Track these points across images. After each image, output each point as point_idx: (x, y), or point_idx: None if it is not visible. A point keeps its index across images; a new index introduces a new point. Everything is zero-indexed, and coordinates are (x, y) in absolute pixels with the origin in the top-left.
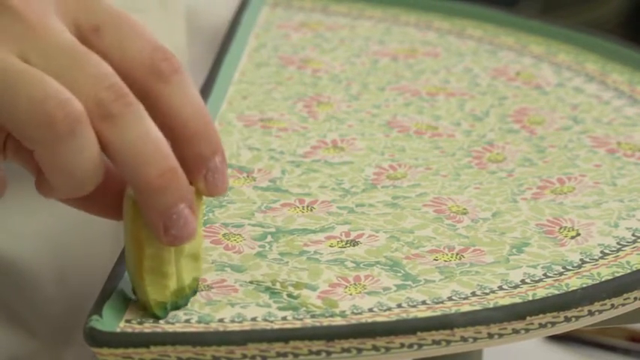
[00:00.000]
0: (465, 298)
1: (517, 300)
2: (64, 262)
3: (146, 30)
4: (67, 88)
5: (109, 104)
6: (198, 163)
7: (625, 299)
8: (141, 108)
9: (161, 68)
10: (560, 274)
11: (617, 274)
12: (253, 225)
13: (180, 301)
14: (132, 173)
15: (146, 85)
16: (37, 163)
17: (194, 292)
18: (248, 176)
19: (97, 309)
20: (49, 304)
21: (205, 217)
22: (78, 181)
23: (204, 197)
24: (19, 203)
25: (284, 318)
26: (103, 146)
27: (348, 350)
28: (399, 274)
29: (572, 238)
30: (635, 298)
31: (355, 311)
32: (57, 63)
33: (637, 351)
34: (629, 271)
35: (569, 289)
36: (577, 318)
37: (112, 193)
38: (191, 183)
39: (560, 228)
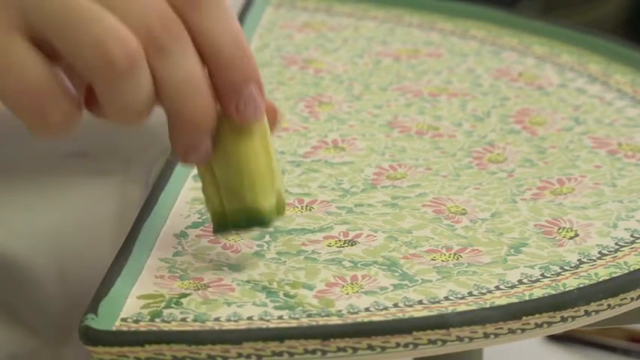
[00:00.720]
0: (461, 298)
1: (514, 300)
2: (64, 260)
3: None
4: (121, 18)
5: (158, 35)
6: (229, 91)
7: (622, 300)
8: (187, 41)
9: None
10: (558, 274)
11: (614, 275)
12: None
13: (230, 224)
14: (173, 107)
15: (182, 13)
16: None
17: (251, 224)
18: None
19: (93, 307)
20: (50, 302)
21: (204, 217)
22: (132, 114)
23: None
24: (20, 201)
25: (280, 317)
26: (153, 75)
27: (343, 349)
28: (397, 274)
29: (571, 238)
30: (632, 299)
31: (351, 311)
32: None
33: (637, 351)
34: (626, 271)
35: (566, 290)
36: (573, 318)
37: None
38: (225, 112)
39: (559, 229)
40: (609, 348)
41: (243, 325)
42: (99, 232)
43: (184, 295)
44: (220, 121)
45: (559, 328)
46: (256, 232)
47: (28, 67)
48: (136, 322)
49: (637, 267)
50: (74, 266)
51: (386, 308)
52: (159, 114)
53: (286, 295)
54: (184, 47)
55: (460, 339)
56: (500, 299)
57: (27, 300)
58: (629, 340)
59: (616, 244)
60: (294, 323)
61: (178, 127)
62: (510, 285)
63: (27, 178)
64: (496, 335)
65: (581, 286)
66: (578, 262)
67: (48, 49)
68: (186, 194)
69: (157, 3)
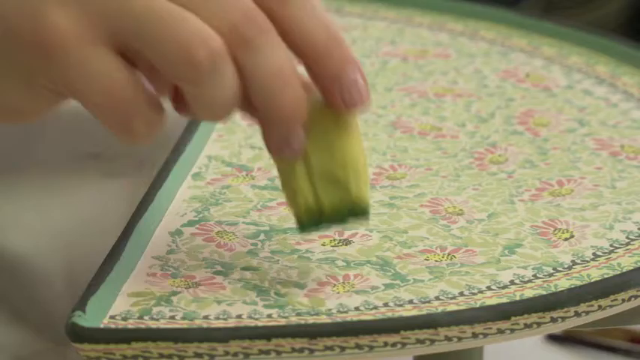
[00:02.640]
0: (452, 298)
1: (504, 300)
2: (73, 260)
3: None
4: (204, 19)
5: (243, 29)
6: (329, 81)
7: (613, 301)
8: (273, 34)
9: None
10: (550, 275)
11: (606, 276)
12: (248, 223)
13: (326, 220)
14: (263, 101)
15: (270, 9)
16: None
17: (353, 216)
18: (247, 175)
19: (81, 305)
20: (57, 302)
21: (200, 215)
22: (219, 111)
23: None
24: (33, 201)
25: (269, 316)
26: (238, 71)
27: (331, 348)
28: (389, 274)
29: (566, 239)
30: (623, 300)
31: (341, 310)
32: None
33: (637, 352)
34: (618, 272)
35: (557, 290)
36: (563, 319)
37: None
38: (329, 103)
39: (555, 230)
40: (610, 349)
41: (231, 323)
42: (109, 233)
43: (175, 293)
44: (318, 111)
45: (549, 329)
46: (252, 230)
47: (115, 77)
48: (125, 319)
49: (630, 268)
50: (83, 267)
51: (376, 307)
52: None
53: (277, 293)
54: (271, 39)
55: (448, 339)
56: (491, 299)
57: (34, 301)
58: (630, 341)
59: (611, 245)
60: (282, 322)
61: (270, 121)
62: (502, 285)
63: (40, 177)
64: (485, 335)
65: (572, 287)
66: (571, 263)
67: (129, 56)
68: (185, 192)
69: (240, 2)
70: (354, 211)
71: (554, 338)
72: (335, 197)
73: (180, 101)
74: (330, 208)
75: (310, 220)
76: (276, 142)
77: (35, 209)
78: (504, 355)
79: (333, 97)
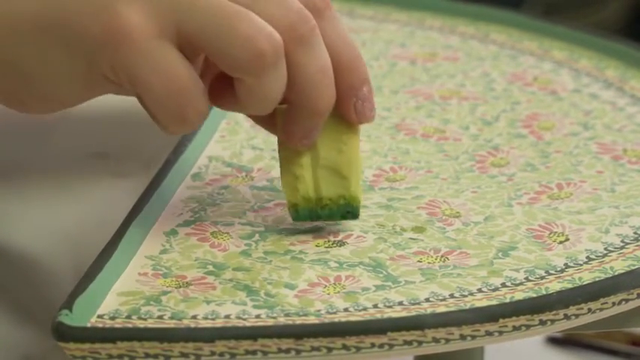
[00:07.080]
0: (442, 300)
1: (493, 302)
2: (82, 260)
3: None
4: (264, 18)
5: (299, 27)
6: (348, 93)
7: (602, 304)
8: (319, 34)
9: (317, 4)
10: (542, 278)
11: (598, 279)
12: (243, 224)
13: (320, 211)
14: (306, 94)
15: None
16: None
17: (345, 212)
18: (247, 175)
19: (68, 304)
20: None
21: (197, 215)
22: (270, 103)
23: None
24: (42, 200)
25: (258, 316)
26: (290, 66)
27: (317, 349)
28: (381, 275)
29: (561, 243)
30: (614, 303)
31: (330, 310)
32: None
33: (638, 355)
34: (610, 276)
35: (547, 293)
36: (552, 321)
37: None
38: (342, 111)
39: (550, 233)
40: (610, 351)
41: (219, 323)
42: None
43: (165, 293)
44: (333, 112)
45: (538, 332)
46: (247, 231)
47: (176, 68)
48: (112, 318)
49: (622, 272)
50: None
51: (365, 309)
52: None
53: (267, 294)
54: (319, 39)
55: (436, 340)
56: (481, 302)
57: (43, 300)
58: (631, 344)
59: (605, 249)
60: (270, 322)
61: (303, 114)
62: (493, 288)
63: (49, 177)
64: (473, 337)
65: (562, 289)
66: (564, 267)
67: (185, 53)
68: (183, 192)
69: (294, 5)
70: (347, 207)
71: (554, 341)
72: (334, 190)
73: (222, 95)
74: (327, 199)
75: (305, 208)
76: (301, 132)
77: (44, 209)
78: (504, 357)
79: (347, 106)
